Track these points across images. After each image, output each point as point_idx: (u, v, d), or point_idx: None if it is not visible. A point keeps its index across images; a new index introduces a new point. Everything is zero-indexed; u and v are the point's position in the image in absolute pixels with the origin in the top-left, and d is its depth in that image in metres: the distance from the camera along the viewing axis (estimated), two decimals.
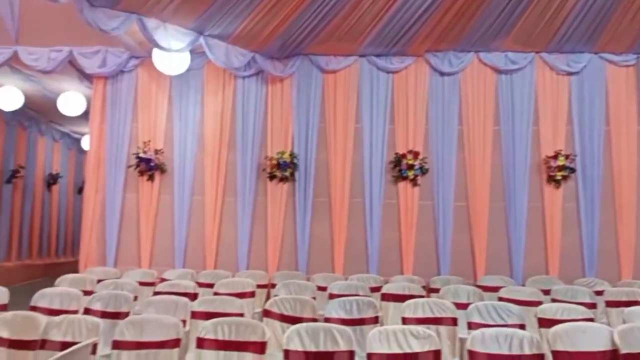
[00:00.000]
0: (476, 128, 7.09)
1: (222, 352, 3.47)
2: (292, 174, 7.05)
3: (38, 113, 10.56)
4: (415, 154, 7.02)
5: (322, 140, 7.19)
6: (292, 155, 7.04)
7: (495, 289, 5.76)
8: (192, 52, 6.66)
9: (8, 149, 10.43)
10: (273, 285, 6.11)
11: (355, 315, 4.40)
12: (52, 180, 12.22)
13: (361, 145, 7.14)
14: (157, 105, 7.34)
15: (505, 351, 3.34)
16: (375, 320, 4.40)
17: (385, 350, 3.32)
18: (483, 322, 4.31)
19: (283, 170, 6.98)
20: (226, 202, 7.17)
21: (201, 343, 3.47)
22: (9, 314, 3.60)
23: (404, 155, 7.03)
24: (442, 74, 7.19)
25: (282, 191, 7.09)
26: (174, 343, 3.50)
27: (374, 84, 7.21)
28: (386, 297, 5.43)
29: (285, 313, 4.45)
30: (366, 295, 5.16)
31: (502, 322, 4.29)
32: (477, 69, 7.19)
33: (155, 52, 6.50)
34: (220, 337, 3.50)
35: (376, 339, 3.35)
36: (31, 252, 11.47)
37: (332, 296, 5.28)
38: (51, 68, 6.95)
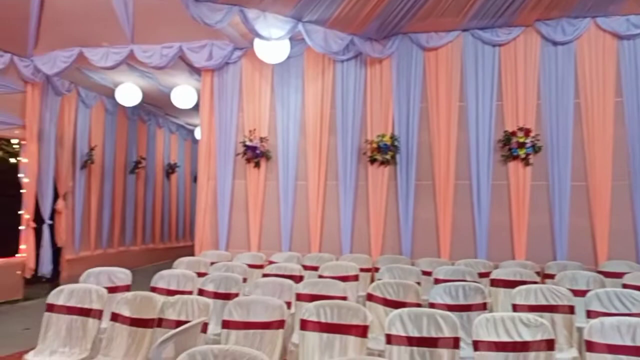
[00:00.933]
0: (595, 101, 6.48)
1: (324, 335, 3.51)
2: (393, 157, 6.94)
3: (155, 107, 11.34)
4: (527, 132, 6.58)
5: (423, 121, 6.99)
6: (392, 137, 6.92)
7: (619, 275, 5.29)
8: (291, 39, 6.75)
9: (131, 142, 11.37)
10: (377, 269, 6.08)
11: (462, 301, 4.24)
12: (170, 169, 13.15)
13: (466, 124, 6.84)
14: (260, 94, 7.56)
15: (627, 342, 3.04)
16: (483, 307, 4.22)
17: (492, 338, 3.16)
18: (604, 310, 3.96)
19: (384, 153, 6.89)
20: (328, 187, 7.24)
21: (304, 325, 3.54)
22: (130, 294, 3.92)
23: (513, 133, 6.62)
24: (554, 43, 6.64)
25: (383, 175, 7.00)
26: (279, 324, 3.60)
27: (479, 59, 6.85)
28: (496, 283, 5.19)
29: (389, 297, 4.40)
30: (474, 281, 4.96)
31: (626, 311, 3.92)
32: (594, 36, 6.55)
33: (257, 42, 6.68)
34: (322, 320, 3.54)
35: (483, 326, 3.20)
36: (154, 237, 12.49)
37: (437, 281, 5.15)
38: (164, 64, 7.40)
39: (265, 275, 5.52)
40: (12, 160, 9.38)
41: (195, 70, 8.04)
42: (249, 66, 7.59)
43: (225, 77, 7.71)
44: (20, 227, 8.37)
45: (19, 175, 8.41)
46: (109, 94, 9.46)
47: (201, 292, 4.65)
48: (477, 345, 3.16)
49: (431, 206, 6.87)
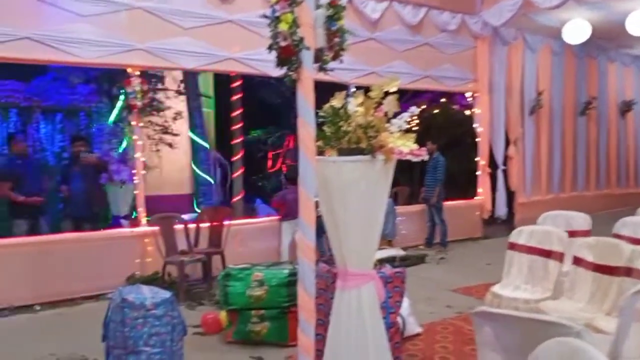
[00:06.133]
0: None
1: None
2: None
3: (606, 40, 10.28)
4: None
5: None
6: None
7: None
8: None
9: (579, 82, 10.74)
10: None
11: None
12: (625, 107, 11.84)
13: None
14: None
15: None
16: None
17: None
18: None
19: None
20: None
21: None
22: (591, 239, 3.76)
23: None
24: None
25: None
26: None
27: None
28: None
29: None
30: None
31: None
32: None
33: None
34: None
35: None
36: (609, 182, 11.62)
37: None
38: None
39: None
40: (467, 112, 10.36)
41: None
42: None
43: None
44: (477, 173, 9.21)
45: (474, 125, 9.22)
46: (555, 34, 9.12)
47: None
48: None
49: None
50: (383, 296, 3.29)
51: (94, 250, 5.85)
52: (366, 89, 2.97)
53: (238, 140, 8.53)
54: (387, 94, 2.92)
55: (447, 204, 8.35)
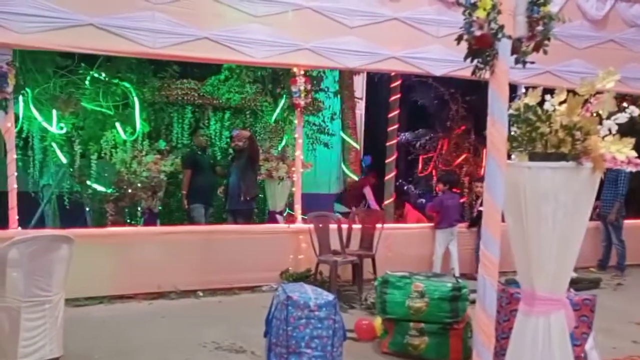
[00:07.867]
0: None
1: None
2: None
3: None
4: None
5: None
6: None
7: None
8: None
9: None
10: None
11: None
12: None
13: None
14: None
15: None
16: None
17: None
18: None
19: None
20: None
21: None
22: None
23: None
24: None
25: None
26: None
27: None
28: None
29: None
30: None
31: None
32: None
33: None
34: None
35: None
36: None
37: None
38: None
39: None
40: None
41: None
42: None
43: None
44: None
45: None
46: None
47: None
48: None
49: None
50: (572, 326, 2.84)
51: (252, 243, 6.02)
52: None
53: (393, 142, 8.32)
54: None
55: (627, 222, 7.32)
